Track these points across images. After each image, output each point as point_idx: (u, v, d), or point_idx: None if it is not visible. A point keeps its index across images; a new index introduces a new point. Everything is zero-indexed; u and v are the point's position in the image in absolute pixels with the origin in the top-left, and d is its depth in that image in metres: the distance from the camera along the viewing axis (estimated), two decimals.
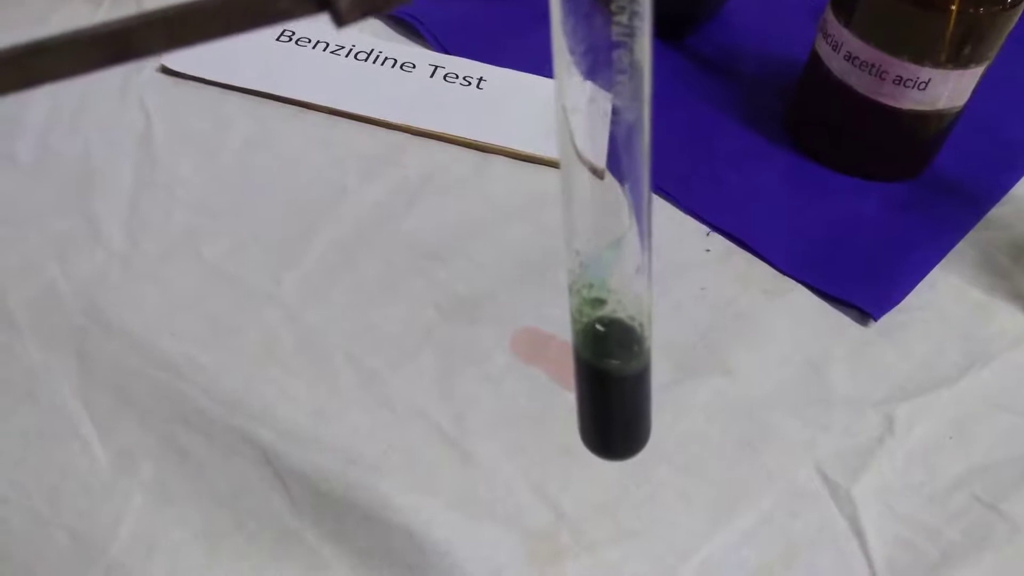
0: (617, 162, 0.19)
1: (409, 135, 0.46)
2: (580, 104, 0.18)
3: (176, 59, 0.47)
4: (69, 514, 0.31)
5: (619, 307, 0.22)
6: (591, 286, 0.22)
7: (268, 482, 0.32)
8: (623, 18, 0.16)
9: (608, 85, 0.17)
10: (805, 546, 0.33)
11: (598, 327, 0.22)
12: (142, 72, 0.47)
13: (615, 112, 0.18)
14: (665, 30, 0.54)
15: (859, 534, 0.33)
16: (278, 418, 0.34)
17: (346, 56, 0.49)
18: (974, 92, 0.43)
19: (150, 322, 0.37)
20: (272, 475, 0.32)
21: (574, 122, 0.18)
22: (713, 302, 0.40)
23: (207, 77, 0.47)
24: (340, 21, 0.15)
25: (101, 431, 0.33)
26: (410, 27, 0.52)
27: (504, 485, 0.33)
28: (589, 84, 0.17)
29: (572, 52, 0.17)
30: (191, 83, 0.47)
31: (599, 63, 0.17)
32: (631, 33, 0.16)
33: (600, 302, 0.22)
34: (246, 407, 0.34)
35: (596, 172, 0.19)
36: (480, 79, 0.49)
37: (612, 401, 0.24)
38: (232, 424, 0.34)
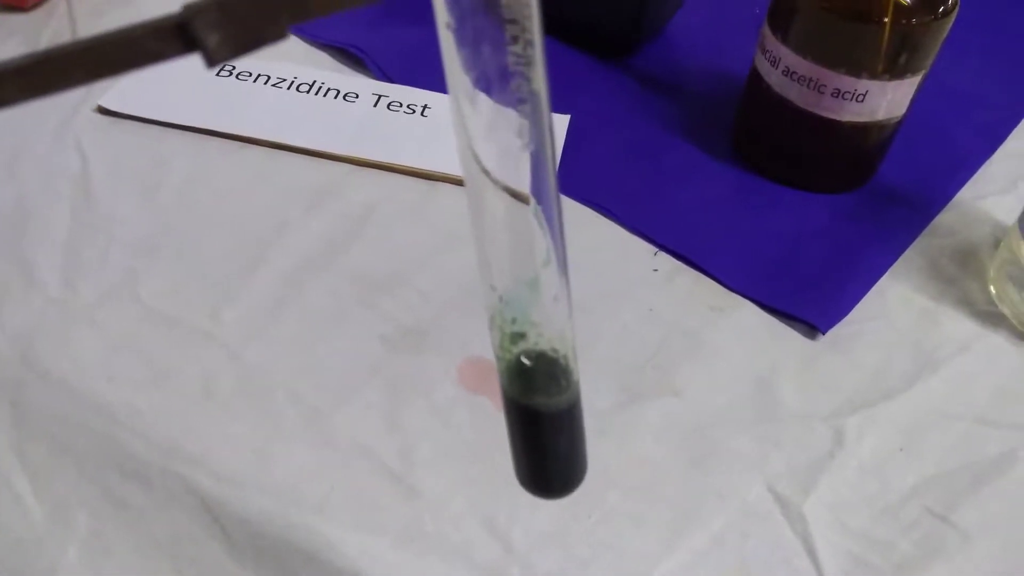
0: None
1: (353, 166, 0.46)
2: (481, 129, 0.17)
3: (113, 99, 0.47)
4: (1, 571, 0.30)
5: (541, 340, 0.21)
6: (513, 320, 0.21)
7: (207, 528, 0.31)
8: (518, 48, 0.16)
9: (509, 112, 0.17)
10: (758, 566, 0.32)
11: (523, 361, 0.22)
12: (78, 113, 0.46)
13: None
14: (608, 49, 0.54)
15: (811, 552, 0.32)
16: (217, 462, 0.33)
17: (288, 88, 0.49)
18: (913, 101, 0.44)
19: (87, 368, 0.36)
20: (211, 521, 0.32)
21: (480, 149, 0.18)
22: (661, 322, 0.40)
23: (145, 116, 0.46)
24: (210, 61, 0.14)
25: (35, 483, 0.32)
26: (353, 57, 0.52)
27: (452, 520, 0.33)
28: (489, 108, 0.17)
29: (467, 74, 0.16)
30: (129, 122, 0.46)
31: (494, 92, 0.17)
32: (527, 62, 0.16)
33: (521, 336, 0.21)
34: (184, 452, 0.33)
35: (518, 196, 0.19)
36: (424, 107, 0.49)
37: (544, 439, 0.23)
38: (170, 470, 0.33)
